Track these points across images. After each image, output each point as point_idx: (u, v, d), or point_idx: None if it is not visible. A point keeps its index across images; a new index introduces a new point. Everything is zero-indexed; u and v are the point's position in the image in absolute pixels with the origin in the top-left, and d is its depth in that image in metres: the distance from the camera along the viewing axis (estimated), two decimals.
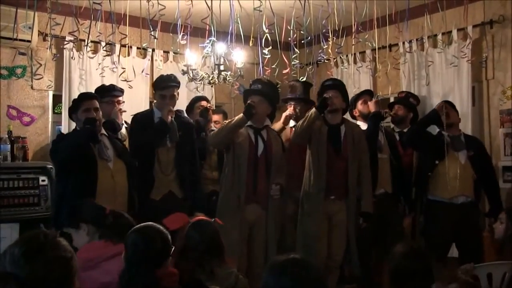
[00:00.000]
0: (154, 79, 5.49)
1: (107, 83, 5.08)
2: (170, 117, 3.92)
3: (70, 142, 3.50)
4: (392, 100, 5.16)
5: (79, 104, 3.65)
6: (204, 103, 4.66)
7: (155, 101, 4.14)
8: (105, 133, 3.75)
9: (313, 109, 3.92)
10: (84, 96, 3.75)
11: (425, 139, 4.26)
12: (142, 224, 2.37)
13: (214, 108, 5.09)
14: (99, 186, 3.50)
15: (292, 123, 4.77)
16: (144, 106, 5.41)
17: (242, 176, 3.85)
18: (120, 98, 4.41)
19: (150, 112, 4.11)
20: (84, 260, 2.32)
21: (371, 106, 4.35)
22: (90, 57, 5.05)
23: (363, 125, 4.40)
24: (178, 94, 4.13)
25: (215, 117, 4.79)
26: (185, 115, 4.29)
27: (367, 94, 4.56)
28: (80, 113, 3.61)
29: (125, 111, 4.52)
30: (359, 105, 4.49)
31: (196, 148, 4.16)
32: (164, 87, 3.99)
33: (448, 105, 4.25)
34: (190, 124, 4.18)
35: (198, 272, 2.52)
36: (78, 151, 3.47)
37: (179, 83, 4.14)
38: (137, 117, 4.12)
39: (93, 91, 4.17)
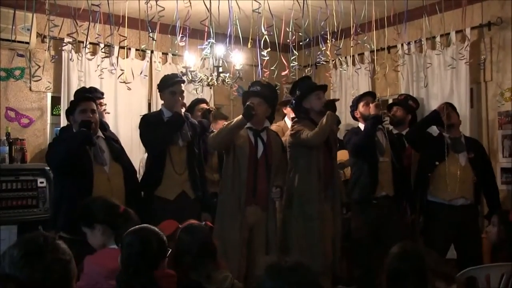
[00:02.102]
0: (153, 81, 5.52)
1: (105, 85, 5.11)
2: (182, 112, 3.91)
3: (65, 147, 3.46)
4: (390, 102, 5.17)
5: (76, 105, 3.62)
6: (204, 105, 4.67)
7: (162, 102, 4.12)
8: (101, 135, 3.72)
9: (329, 112, 3.93)
10: (81, 97, 3.72)
11: (425, 139, 4.27)
12: (137, 226, 2.37)
13: (216, 109, 5.08)
14: (95, 190, 3.45)
15: (289, 123, 4.78)
16: (142, 107, 5.42)
17: (242, 178, 3.84)
18: (102, 101, 4.42)
19: (159, 112, 4.09)
20: (111, 269, 2.30)
21: (372, 109, 4.35)
22: (88, 59, 5.05)
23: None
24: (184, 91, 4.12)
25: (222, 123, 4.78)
26: (191, 118, 4.28)
27: (369, 96, 4.57)
28: (77, 114, 3.58)
29: (108, 113, 4.55)
30: (361, 107, 4.49)
31: (202, 150, 4.17)
32: (172, 83, 3.98)
33: (449, 107, 4.26)
34: (197, 126, 4.16)
35: (194, 276, 2.52)
36: (73, 155, 3.43)
37: (183, 80, 4.14)
38: (146, 117, 4.11)
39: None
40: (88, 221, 2.66)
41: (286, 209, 4.06)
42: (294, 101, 4.17)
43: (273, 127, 4.66)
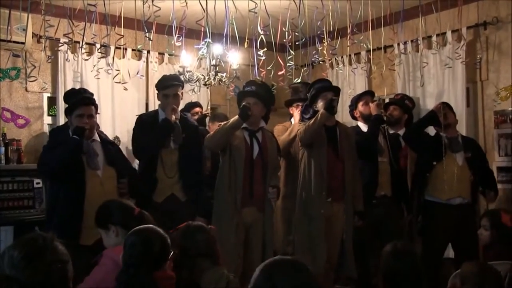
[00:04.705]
0: (149, 81, 5.51)
1: (102, 85, 5.09)
2: (173, 117, 3.85)
3: (56, 156, 3.41)
4: (387, 101, 5.17)
5: (74, 108, 3.56)
6: (198, 109, 4.65)
7: (159, 102, 4.10)
8: (97, 139, 3.66)
9: (322, 111, 3.93)
10: (80, 102, 3.59)
11: (423, 139, 4.28)
12: (141, 226, 2.36)
13: (209, 111, 5.06)
14: (88, 195, 3.42)
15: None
16: (139, 108, 5.41)
17: (238, 179, 3.83)
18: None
19: (155, 113, 4.05)
20: None
21: (373, 109, 4.36)
22: (84, 59, 5.03)
23: (364, 126, 4.43)
24: (182, 94, 4.07)
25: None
26: (191, 118, 4.25)
27: (368, 95, 4.57)
28: (73, 118, 3.53)
29: (98, 113, 4.53)
30: (360, 106, 4.49)
31: (202, 151, 4.09)
32: (166, 86, 3.94)
33: (446, 107, 4.28)
34: (195, 127, 4.12)
35: (192, 276, 2.51)
36: (64, 164, 3.39)
37: (182, 82, 4.09)
38: (141, 118, 4.07)
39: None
40: (103, 222, 2.68)
41: (297, 209, 4.06)
42: (305, 104, 4.21)
43: (279, 127, 4.67)
